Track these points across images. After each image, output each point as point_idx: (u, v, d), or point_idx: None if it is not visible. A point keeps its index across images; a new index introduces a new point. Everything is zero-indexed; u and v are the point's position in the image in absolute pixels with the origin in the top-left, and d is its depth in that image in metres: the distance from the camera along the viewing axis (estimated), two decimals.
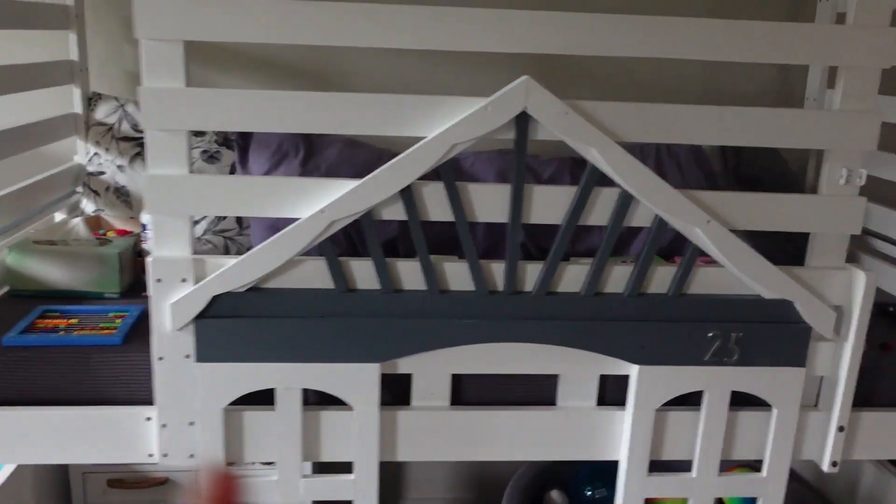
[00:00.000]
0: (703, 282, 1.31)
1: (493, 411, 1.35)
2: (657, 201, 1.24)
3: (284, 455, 1.29)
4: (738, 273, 1.29)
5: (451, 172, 1.21)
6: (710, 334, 1.30)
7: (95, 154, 1.93)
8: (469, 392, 1.37)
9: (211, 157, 1.88)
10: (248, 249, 1.22)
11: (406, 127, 1.19)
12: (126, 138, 1.93)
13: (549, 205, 1.25)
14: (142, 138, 1.89)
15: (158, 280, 1.21)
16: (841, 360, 1.34)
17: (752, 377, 1.33)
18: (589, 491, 2.13)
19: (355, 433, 1.30)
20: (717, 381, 1.32)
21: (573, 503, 2.16)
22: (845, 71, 1.25)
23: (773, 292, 1.30)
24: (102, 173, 1.90)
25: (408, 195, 1.21)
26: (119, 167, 1.91)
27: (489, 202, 1.24)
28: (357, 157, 1.83)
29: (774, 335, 1.31)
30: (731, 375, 1.32)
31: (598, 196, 1.26)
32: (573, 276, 1.28)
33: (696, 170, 2.01)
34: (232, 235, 1.80)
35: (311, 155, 1.80)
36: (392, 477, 2.38)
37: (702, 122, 1.24)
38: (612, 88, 2.19)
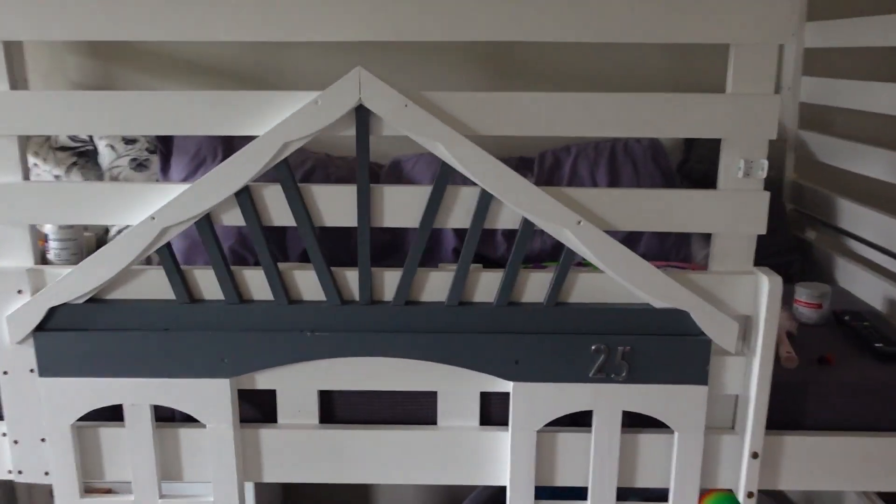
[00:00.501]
0: (586, 289, 1.17)
1: (367, 431, 1.24)
2: (519, 201, 1.11)
3: (138, 475, 1.23)
4: (619, 279, 1.15)
5: (289, 173, 1.11)
6: (594, 348, 1.16)
7: (35, 164, 1.92)
8: (343, 410, 1.28)
9: (140, 165, 1.84)
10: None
11: (237, 125, 1.11)
12: (63, 148, 1.92)
13: (403, 207, 1.14)
14: (77, 148, 1.88)
15: None
16: (751, 376, 1.18)
17: (645, 396, 1.18)
18: None
19: (211, 452, 1.22)
20: (605, 400, 1.19)
21: None
22: (735, 49, 1.10)
23: (663, 301, 1.15)
24: None
25: (246, 199, 1.12)
26: (56, 177, 1.90)
27: (336, 205, 1.14)
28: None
29: (669, 349, 1.16)
30: (621, 393, 1.18)
31: (458, 196, 1.14)
32: (437, 285, 1.17)
33: (652, 167, 1.85)
34: None
35: None
36: (362, 498, 2.30)
37: (568, 111, 1.11)
38: (580, 85, 2.05)
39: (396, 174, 1.88)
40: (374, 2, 1.06)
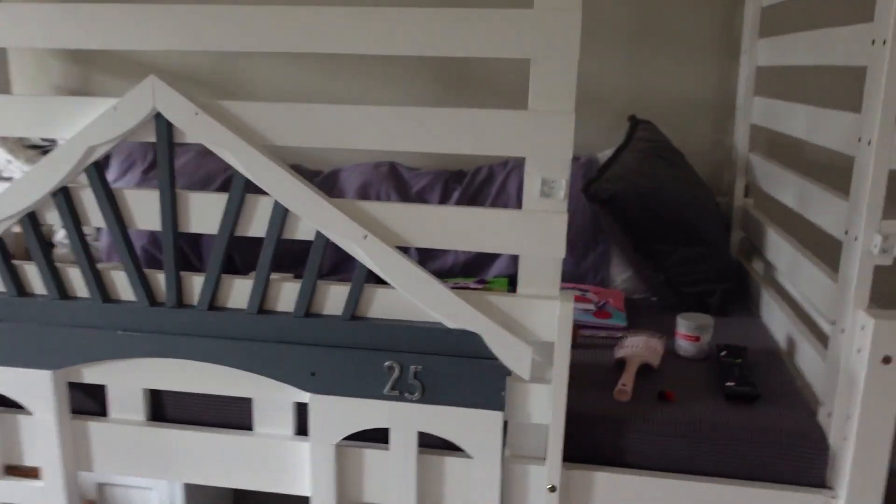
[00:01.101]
0: (385, 305, 1.16)
1: (188, 431, 1.27)
2: (307, 213, 1.12)
3: None
4: (408, 295, 1.13)
5: (97, 176, 1.16)
6: (387, 364, 1.15)
7: (8, 161, 2.07)
8: (173, 409, 1.31)
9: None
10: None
11: (48, 129, 1.17)
12: (32, 146, 2.06)
13: (205, 214, 1.17)
14: (46, 147, 2.01)
15: None
16: (554, 406, 1.13)
17: (440, 418, 1.15)
18: None
19: (39, 440, 1.28)
20: (400, 419, 1.17)
21: None
22: (534, 64, 1.06)
23: (453, 321, 1.12)
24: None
25: (61, 199, 1.18)
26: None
27: (144, 209, 1.18)
28: (207, 165, 1.83)
29: (463, 371, 1.13)
30: (416, 413, 1.16)
31: (258, 206, 1.16)
32: (243, 292, 1.19)
33: (582, 183, 1.80)
34: (90, 241, 1.86)
35: (152, 167, 1.83)
36: None
37: (365, 125, 1.10)
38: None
39: (331, 182, 1.91)
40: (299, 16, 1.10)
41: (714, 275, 1.68)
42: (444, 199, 1.84)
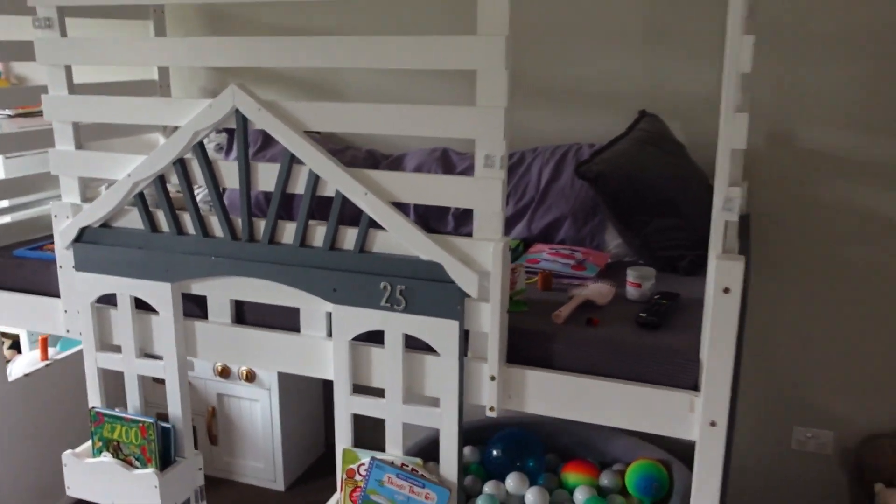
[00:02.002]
0: (382, 243, 1.66)
1: (258, 331, 1.83)
2: (329, 176, 1.64)
3: (126, 342, 1.93)
4: (398, 239, 1.62)
5: (201, 151, 1.74)
6: (382, 284, 1.64)
7: None
8: (252, 315, 1.87)
9: (219, 148, 2.57)
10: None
11: (173, 120, 1.75)
12: None
13: (267, 177, 1.71)
14: None
15: (55, 216, 1.93)
16: (491, 319, 1.58)
17: (418, 324, 1.63)
18: (494, 451, 2.43)
19: (161, 333, 1.88)
20: (391, 324, 1.66)
21: (483, 460, 2.48)
22: (479, 74, 1.52)
23: (427, 255, 1.60)
24: None
25: (180, 167, 1.77)
26: None
27: (229, 173, 1.74)
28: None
29: (432, 291, 1.61)
30: (402, 320, 1.65)
31: (300, 172, 1.68)
32: (290, 232, 1.72)
33: None
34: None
35: (265, 147, 2.41)
36: None
37: (364, 116, 1.61)
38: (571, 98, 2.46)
39: (396, 163, 2.43)
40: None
41: (688, 243, 2.03)
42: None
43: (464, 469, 2.43)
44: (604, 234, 2.19)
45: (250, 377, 2.68)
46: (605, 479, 2.39)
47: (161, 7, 2.74)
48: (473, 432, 2.58)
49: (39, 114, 2.85)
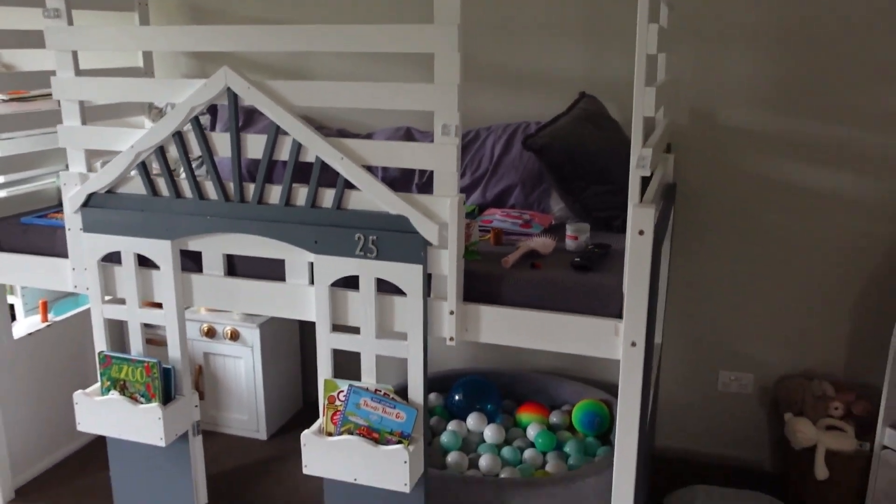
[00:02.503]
0: (356, 201, 1.94)
1: (249, 281, 2.11)
2: (310, 144, 1.92)
3: (129, 294, 2.19)
4: (370, 196, 1.91)
5: (197, 125, 2.01)
6: (357, 236, 1.93)
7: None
8: (243, 267, 2.14)
9: None
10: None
11: (172, 97, 2.02)
12: (158, 110, 2.97)
13: (255, 146, 1.98)
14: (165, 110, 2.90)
15: (64, 184, 2.18)
16: (449, 262, 1.88)
17: (388, 269, 1.92)
18: (457, 396, 2.74)
19: (163, 286, 2.15)
20: (365, 270, 1.95)
21: (446, 404, 2.78)
22: (437, 56, 1.81)
23: (395, 210, 1.89)
24: None
25: (178, 139, 2.03)
26: None
27: (223, 144, 2.01)
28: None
29: (400, 240, 1.90)
30: (374, 266, 1.93)
31: (286, 140, 1.96)
32: (277, 194, 2.00)
33: None
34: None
35: (247, 125, 2.67)
36: None
37: (341, 93, 1.89)
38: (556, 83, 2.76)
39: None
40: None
41: (621, 205, 2.33)
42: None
43: (429, 411, 2.73)
44: (549, 200, 2.49)
45: (234, 336, 2.94)
46: (555, 418, 2.72)
47: (146, 0, 2.99)
48: (438, 381, 2.88)
49: (31, 99, 3.08)
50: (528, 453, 2.50)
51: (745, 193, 2.67)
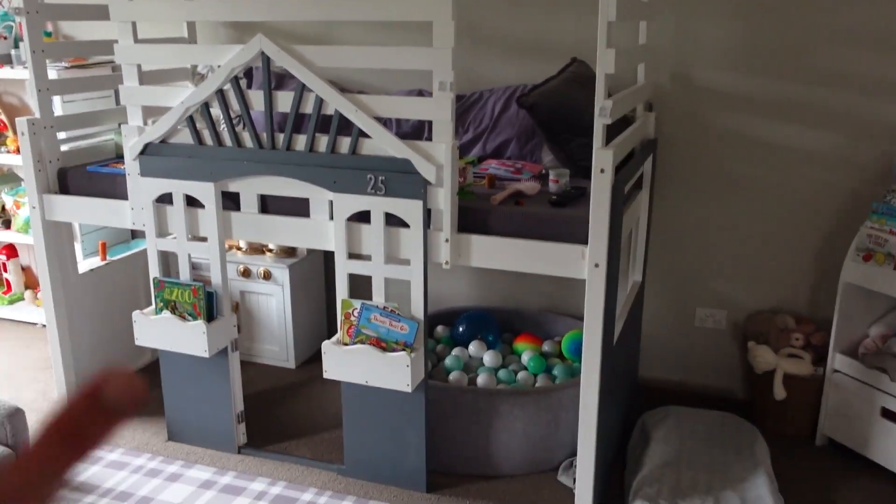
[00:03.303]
0: (368, 147, 2.31)
1: (279, 217, 2.49)
2: (330, 99, 2.29)
3: (178, 230, 2.59)
4: (379, 143, 2.27)
5: (236, 84, 2.39)
6: (368, 176, 2.30)
7: (187, 85, 3.38)
8: (273, 205, 2.53)
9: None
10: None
11: (215, 60, 2.40)
12: (200, 74, 3.36)
13: (285, 101, 2.36)
14: (205, 73, 3.29)
15: (125, 136, 2.58)
16: (445, 198, 2.25)
17: (394, 204, 2.30)
18: (461, 327, 3.11)
19: (207, 222, 2.55)
20: (375, 205, 2.32)
21: (451, 335, 3.15)
22: (434, 24, 2.16)
23: (400, 154, 2.26)
24: None
25: (220, 96, 2.42)
26: None
27: (257, 101, 2.39)
28: None
29: (404, 180, 2.27)
30: (383, 202, 2.31)
31: (310, 96, 2.33)
32: (302, 142, 2.38)
33: None
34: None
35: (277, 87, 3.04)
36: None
37: (354, 55, 2.26)
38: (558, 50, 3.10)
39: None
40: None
41: None
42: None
43: (436, 341, 3.11)
44: (540, 152, 2.84)
45: (267, 276, 3.35)
46: (546, 347, 3.08)
47: None
48: (445, 315, 3.26)
49: (89, 66, 3.49)
50: (521, 375, 2.87)
51: (719, 147, 2.99)
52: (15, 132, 3.37)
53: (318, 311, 3.62)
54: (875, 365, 2.62)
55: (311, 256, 3.46)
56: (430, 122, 2.55)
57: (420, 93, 3.06)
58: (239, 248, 3.45)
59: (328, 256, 3.50)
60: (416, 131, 2.93)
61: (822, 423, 2.81)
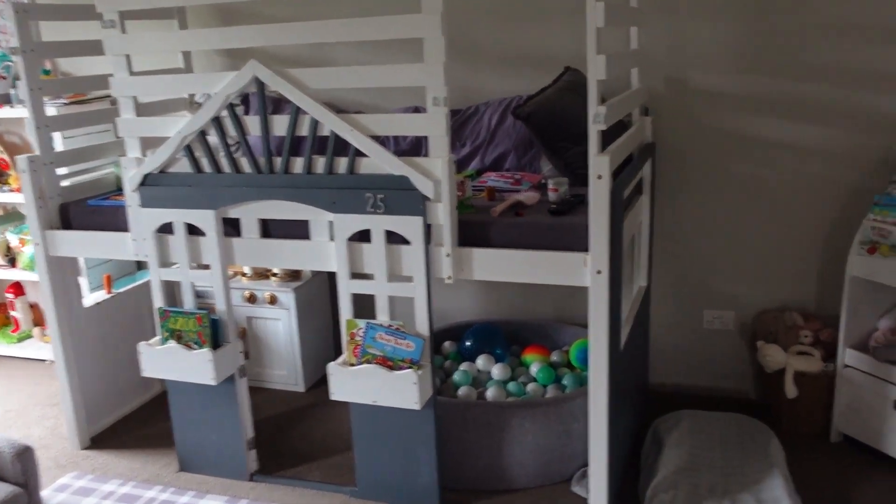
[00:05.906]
0: (365, 166, 2.32)
1: (283, 241, 2.49)
2: (325, 120, 2.30)
3: (181, 258, 2.60)
4: (377, 161, 2.28)
5: (231, 111, 2.40)
6: (367, 195, 2.31)
7: (183, 114, 3.40)
8: (275, 229, 2.53)
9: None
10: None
11: (209, 88, 2.41)
12: (197, 102, 3.38)
13: (281, 125, 2.37)
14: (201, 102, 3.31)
15: (124, 168, 2.59)
16: (444, 213, 2.25)
17: (394, 222, 2.30)
18: (468, 342, 3.10)
19: (208, 249, 2.55)
20: (375, 223, 2.32)
21: (459, 350, 3.14)
22: (425, 41, 2.17)
23: (398, 171, 2.26)
24: None
25: (216, 123, 2.43)
26: None
27: (253, 126, 2.40)
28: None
29: (403, 197, 2.27)
30: (382, 220, 2.31)
31: (306, 119, 2.34)
32: (299, 164, 2.39)
33: None
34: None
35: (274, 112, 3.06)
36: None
37: (347, 75, 2.27)
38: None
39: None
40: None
41: None
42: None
43: (444, 357, 3.10)
44: (539, 162, 2.85)
45: (273, 301, 3.35)
46: (555, 357, 3.07)
47: (184, 8, 3.40)
48: (452, 331, 3.25)
49: (88, 101, 3.51)
50: (530, 386, 2.85)
51: (717, 148, 2.99)
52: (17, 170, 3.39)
53: (325, 333, 3.61)
54: (886, 358, 2.60)
55: (315, 279, 3.47)
56: (427, 138, 2.56)
57: (416, 110, 3.07)
58: (244, 274, 3.45)
59: (333, 278, 3.50)
60: (415, 148, 2.94)
61: (836, 419, 2.79)
